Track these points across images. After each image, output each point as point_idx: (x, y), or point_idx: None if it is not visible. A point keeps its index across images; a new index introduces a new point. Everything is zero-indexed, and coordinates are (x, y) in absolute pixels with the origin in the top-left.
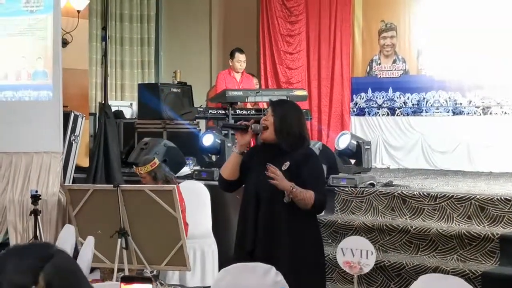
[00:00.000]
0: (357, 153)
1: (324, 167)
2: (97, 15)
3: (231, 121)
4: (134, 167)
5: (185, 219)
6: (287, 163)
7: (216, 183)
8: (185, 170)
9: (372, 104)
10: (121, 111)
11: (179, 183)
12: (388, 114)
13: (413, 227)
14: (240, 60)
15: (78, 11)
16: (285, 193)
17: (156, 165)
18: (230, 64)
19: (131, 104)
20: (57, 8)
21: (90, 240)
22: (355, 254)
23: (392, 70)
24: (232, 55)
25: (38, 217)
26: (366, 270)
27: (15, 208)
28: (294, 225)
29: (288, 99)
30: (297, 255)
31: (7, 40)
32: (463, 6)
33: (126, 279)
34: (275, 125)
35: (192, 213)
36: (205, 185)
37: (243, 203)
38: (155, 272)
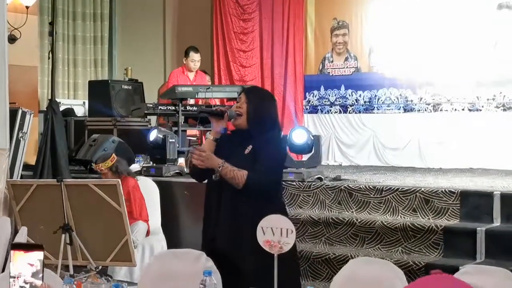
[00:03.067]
0: (314, 148)
1: None
2: (48, 12)
3: (181, 118)
4: (93, 164)
5: (147, 215)
6: (250, 147)
7: (165, 179)
8: (135, 167)
9: (325, 101)
10: (72, 109)
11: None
12: (340, 112)
13: (359, 220)
14: (194, 60)
15: (27, 7)
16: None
17: (115, 159)
18: (184, 62)
19: (84, 102)
20: (2, 3)
21: (24, 230)
22: (275, 233)
23: (344, 67)
24: (186, 54)
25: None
26: (286, 248)
27: None
28: (256, 210)
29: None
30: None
31: None
32: (414, 4)
33: (17, 247)
34: (249, 112)
35: None
36: (154, 181)
37: (207, 190)
38: (100, 268)
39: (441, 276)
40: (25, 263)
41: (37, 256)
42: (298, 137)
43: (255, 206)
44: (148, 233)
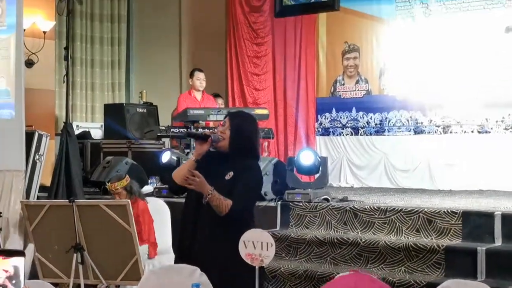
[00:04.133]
0: (321, 169)
1: (263, 180)
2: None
3: (193, 140)
4: (107, 184)
5: (155, 237)
6: (231, 173)
7: (176, 199)
8: (148, 188)
9: (336, 124)
10: (89, 131)
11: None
12: (352, 134)
13: (363, 240)
14: (200, 78)
15: (44, 32)
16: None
17: (129, 180)
18: (190, 83)
19: (101, 125)
20: (19, 28)
21: (31, 247)
22: (256, 246)
23: (355, 90)
24: (191, 75)
25: (0, 234)
26: (267, 261)
27: None
28: (231, 229)
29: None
30: (231, 257)
31: None
32: (423, 27)
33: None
34: (231, 139)
35: None
36: (165, 202)
37: (184, 206)
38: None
39: (359, 275)
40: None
41: (15, 262)
42: (305, 158)
43: (231, 230)
44: (151, 254)
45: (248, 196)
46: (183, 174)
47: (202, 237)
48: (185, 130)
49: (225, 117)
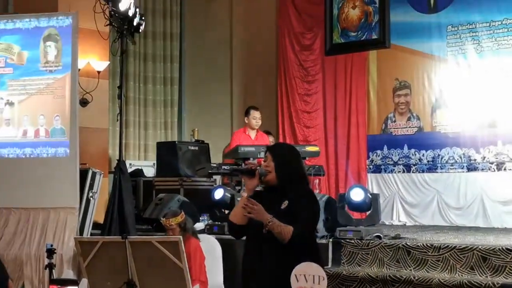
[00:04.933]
0: (372, 206)
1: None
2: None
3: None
4: (162, 219)
5: (205, 276)
6: (286, 202)
7: (228, 236)
8: (199, 225)
9: (388, 161)
10: (141, 169)
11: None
12: (404, 171)
13: (416, 278)
14: (256, 117)
15: (98, 72)
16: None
17: (184, 216)
18: (246, 121)
19: (154, 164)
20: (74, 68)
21: (84, 282)
22: (308, 279)
23: (406, 127)
24: (247, 113)
25: (53, 271)
26: None
27: (31, 263)
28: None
29: (282, 142)
30: None
31: (27, 98)
32: (476, 64)
33: (53, 282)
34: (276, 169)
35: None
36: (217, 238)
37: (246, 246)
38: None
39: None
40: None
41: None
42: (355, 195)
43: (296, 257)
44: None
45: (307, 220)
46: (239, 213)
47: (265, 274)
48: (233, 167)
49: (265, 154)
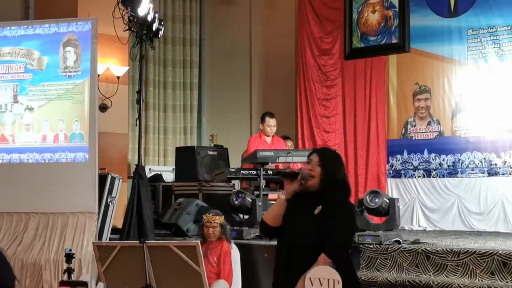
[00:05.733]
0: (389, 211)
1: None
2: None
3: (263, 181)
4: (207, 215)
5: (231, 280)
6: (319, 207)
7: (246, 241)
8: None
9: (408, 166)
10: (161, 174)
11: None
12: (424, 176)
13: (436, 283)
14: (271, 125)
15: (118, 77)
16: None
17: (223, 219)
18: (261, 128)
19: (173, 169)
20: (93, 73)
21: (100, 286)
22: (322, 283)
23: (427, 131)
24: (263, 119)
25: (72, 275)
26: None
27: (50, 268)
28: None
29: (329, 148)
30: None
31: (46, 104)
32: (497, 68)
33: (63, 284)
34: (322, 175)
35: None
36: (235, 244)
37: (277, 249)
38: None
39: None
40: None
41: None
42: (372, 199)
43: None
44: None
45: (341, 231)
46: (274, 214)
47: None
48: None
49: (309, 155)
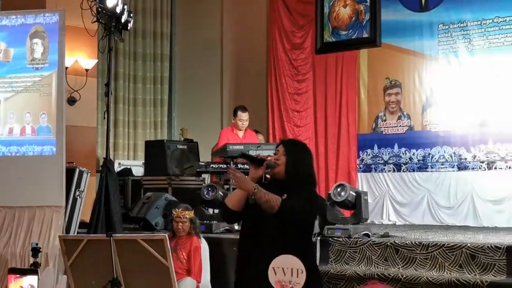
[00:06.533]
0: (356, 204)
1: None
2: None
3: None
4: (176, 210)
5: (201, 276)
6: (285, 195)
7: (215, 235)
8: None
9: (378, 160)
10: (130, 169)
11: None
12: (394, 170)
13: (404, 276)
14: (243, 119)
15: (86, 70)
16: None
17: (193, 214)
18: (233, 121)
19: (143, 163)
20: (61, 66)
21: (63, 279)
22: (286, 273)
23: (397, 126)
24: (235, 113)
25: (38, 269)
26: None
27: (16, 262)
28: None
29: (297, 140)
30: None
31: (13, 96)
32: (467, 62)
33: (12, 271)
34: (287, 165)
35: None
36: (204, 237)
37: (240, 236)
38: None
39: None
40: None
41: (30, 281)
42: (339, 192)
43: (288, 249)
44: None
45: (301, 202)
46: (236, 198)
47: (260, 267)
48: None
49: (277, 146)
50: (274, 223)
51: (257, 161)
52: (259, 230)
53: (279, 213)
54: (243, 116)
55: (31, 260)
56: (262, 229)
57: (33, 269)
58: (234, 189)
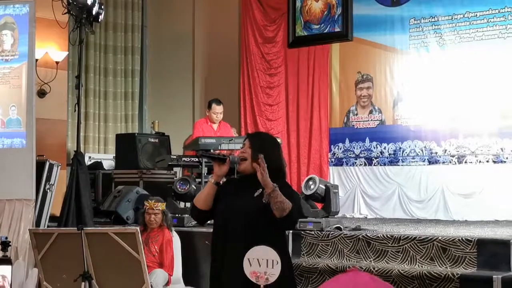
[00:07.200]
0: (325, 197)
1: None
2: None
3: (205, 169)
4: (148, 202)
5: (173, 269)
6: (259, 190)
7: (187, 229)
8: None
9: (350, 154)
10: (101, 162)
11: None
12: (365, 164)
13: (376, 269)
14: (217, 112)
15: (57, 62)
16: (264, 194)
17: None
18: (207, 114)
19: (114, 157)
20: (31, 58)
21: (34, 272)
22: (261, 264)
23: (368, 120)
24: (209, 106)
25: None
26: (272, 279)
27: None
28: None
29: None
30: None
31: None
32: (438, 57)
33: None
34: (253, 157)
35: None
36: (176, 231)
37: (213, 233)
38: None
39: (359, 273)
40: None
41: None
42: (308, 186)
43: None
44: (169, 283)
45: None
46: (204, 198)
47: (234, 265)
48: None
49: (244, 140)
50: (245, 217)
51: (219, 159)
52: (231, 224)
53: (285, 217)
54: (218, 109)
55: (0, 254)
56: (235, 222)
57: (6, 259)
58: (206, 182)
